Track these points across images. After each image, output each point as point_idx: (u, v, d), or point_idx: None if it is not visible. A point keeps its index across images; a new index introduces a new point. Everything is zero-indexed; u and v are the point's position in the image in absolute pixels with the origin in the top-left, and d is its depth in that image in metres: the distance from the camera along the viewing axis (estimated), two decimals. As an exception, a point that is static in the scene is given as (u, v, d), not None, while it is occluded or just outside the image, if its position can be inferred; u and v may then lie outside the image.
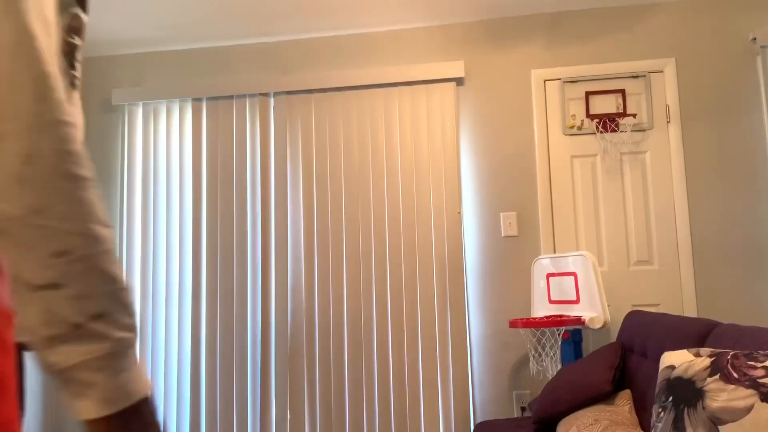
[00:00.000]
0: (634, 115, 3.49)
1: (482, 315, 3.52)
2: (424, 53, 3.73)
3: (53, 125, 0.57)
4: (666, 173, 3.46)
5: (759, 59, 3.43)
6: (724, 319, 3.29)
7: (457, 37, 3.70)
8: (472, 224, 3.58)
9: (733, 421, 1.44)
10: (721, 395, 1.49)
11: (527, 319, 3.07)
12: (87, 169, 0.61)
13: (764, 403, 1.42)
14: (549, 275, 3.27)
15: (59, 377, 0.57)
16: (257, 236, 3.69)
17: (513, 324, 3.06)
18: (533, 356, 3.28)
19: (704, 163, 3.44)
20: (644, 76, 3.53)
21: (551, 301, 3.25)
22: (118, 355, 0.59)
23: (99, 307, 0.58)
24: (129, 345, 0.61)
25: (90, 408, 0.57)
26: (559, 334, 3.13)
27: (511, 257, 3.52)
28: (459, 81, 3.65)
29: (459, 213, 3.52)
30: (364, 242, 3.59)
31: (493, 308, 3.51)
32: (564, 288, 3.19)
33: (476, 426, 2.91)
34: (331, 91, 3.73)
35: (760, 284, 3.33)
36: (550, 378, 3.21)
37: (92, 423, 0.58)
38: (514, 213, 3.53)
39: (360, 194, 3.63)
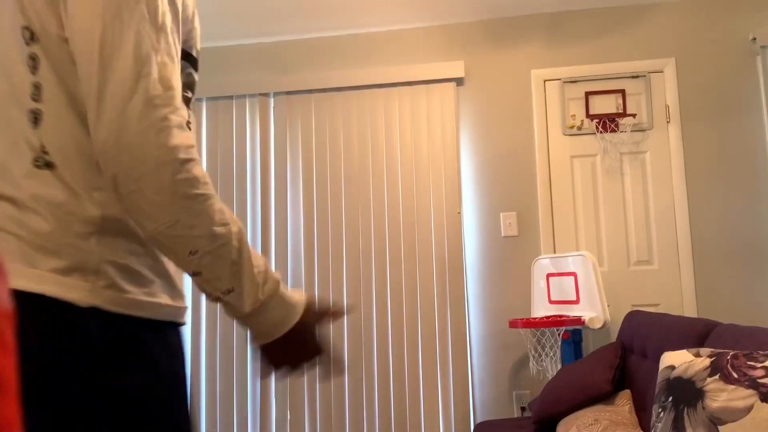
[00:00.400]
0: (634, 115, 3.49)
1: (482, 315, 3.52)
2: (424, 53, 3.73)
3: (174, 163, 0.83)
4: (666, 173, 3.46)
5: (759, 59, 3.43)
6: (724, 319, 3.29)
7: (457, 37, 3.70)
8: (472, 224, 3.58)
9: (732, 421, 1.45)
10: (721, 395, 1.50)
11: (527, 319, 3.07)
12: (203, 187, 0.87)
13: (764, 403, 1.42)
14: (549, 275, 3.27)
15: (240, 323, 0.93)
16: (257, 236, 3.70)
17: (513, 324, 3.06)
18: (533, 356, 3.28)
19: (704, 163, 3.44)
20: (644, 76, 3.53)
21: (551, 301, 3.25)
22: (256, 311, 0.91)
23: (228, 284, 0.86)
24: (263, 302, 0.92)
25: (257, 340, 0.96)
26: (559, 334, 3.13)
27: (511, 257, 3.52)
28: (459, 81, 3.65)
29: (459, 213, 3.52)
30: (364, 242, 3.59)
31: (493, 308, 3.51)
32: (564, 288, 3.19)
33: (476, 426, 2.91)
34: (331, 91, 3.73)
35: (760, 284, 3.33)
36: (550, 378, 3.21)
37: (263, 348, 0.97)
38: (514, 213, 3.53)
39: (360, 194, 3.63)
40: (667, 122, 3.49)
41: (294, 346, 0.97)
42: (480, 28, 3.70)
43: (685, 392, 1.58)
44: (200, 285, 0.86)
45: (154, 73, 0.80)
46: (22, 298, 0.78)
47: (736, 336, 1.87)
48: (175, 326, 0.92)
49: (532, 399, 3.15)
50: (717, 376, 1.54)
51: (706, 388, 1.54)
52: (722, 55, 3.49)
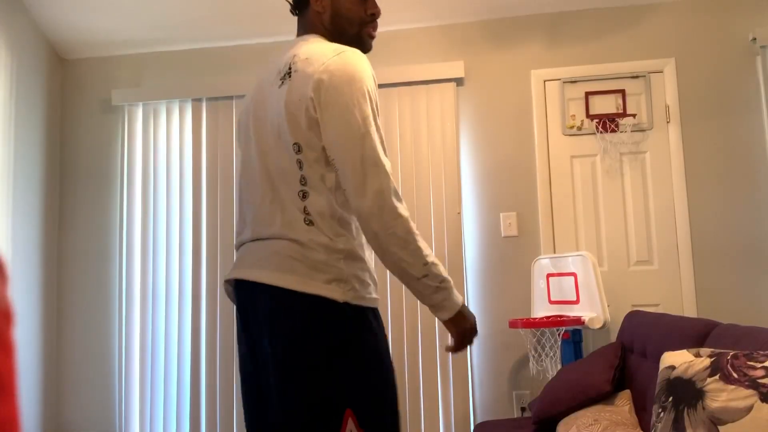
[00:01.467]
0: (634, 116, 3.49)
1: (482, 315, 3.52)
2: (424, 53, 3.73)
3: (405, 223, 1.45)
4: (666, 173, 3.46)
5: (759, 59, 3.43)
6: (724, 319, 3.29)
7: (457, 37, 3.70)
8: (472, 224, 3.58)
9: (732, 422, 1.45)
10: (720, 395, 1.50)
11: (527, 319, 3.07)
12: (416, 237, 1.48)
13: (764, 404, 1.42)
14: (549, 275, 3.27)
15: (433, 307, 1.47)
16: (257, 236, 3.69)
17: (513, 324, 3.06)
18: (533, 356, 3.28)
19: (704, 163, 3.44)
20: (644, 76, 3.53)
21: (551, 302, 3.25)
22: (446, 296, 1.47)
23: (437, 281, 1.47)
24: (449, 288, 1.48)
25: (444, 315, 1.48)
26: (559, 335, 3.13)
27: (511, 257, 3.52)
28: (459, 81, 3.65)
29: (459, 213, 3.52)
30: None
31: (493, 308, 3.51)
32: (564, 288, 3.19)
33: (476, 426, 2.91)
34: (331, 91, 3.72)
35: (760, 284, 3.33)
36: (550, 378, 3.21)
37: (447, 322, 1.48)
38: (514, 213, 3.53)
39: (360, 194, 3.63)
40: (667, 122, 3.49)
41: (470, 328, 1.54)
42: (480, 28, 3.70)
43: (685, 392, 1.58)
44: (422, 286, 1.48)
45: (388, 167, 1.44)
46: (309, 298, 1.41)
47: (736, 336, 1.88)
48: (377, 309, 1.52)
49: (532, 399, 3.15)
50: (717, 377, 1.54)
51: (706, 388, 1.54)
52: (722, 55, 3.49)
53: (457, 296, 1.50)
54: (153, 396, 3.69)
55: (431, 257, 1.48)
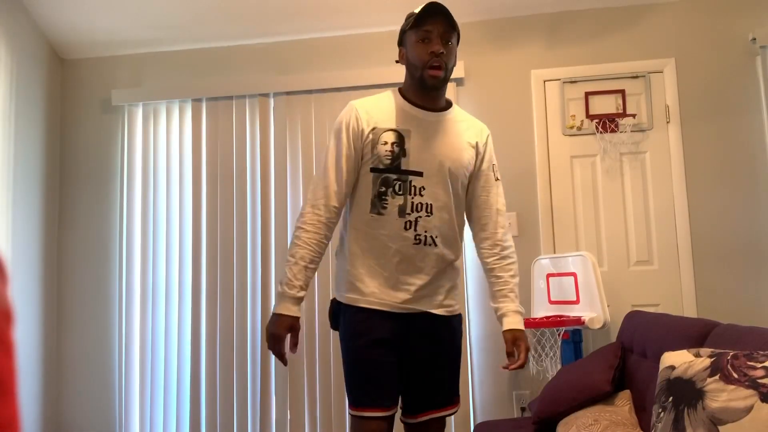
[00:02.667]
0: (634, 116, 3.49)
1: (482, 315, 3.52)
2: (424, 53, 3.72)
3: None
4: (666, 173, 3.46)
5: (759, 59, 3.43)
6: (724, 319, 3.28)
7: (457, 37, 3.70)
8: (472, 224, 3.57)
9: (732, 422, 1.45)
10: (720, 395, 1.50)
11: (527, 319, 3.06)
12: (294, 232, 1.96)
13: (764, 404, 1.42)
14: (549, 275, 3.27)
15: None
16: (257, 236, 3.69)
17: (513, 324, 3.06)
18: (533, 356, 3.28)
19: (704, 163, 3.44)
20: (644, 76, 3.53)
21: (551, 302, 3.25)
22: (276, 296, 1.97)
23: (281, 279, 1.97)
24: (278, 292, 1.95)
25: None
26: (559, 335, 3.13)
27: (511, 257, 3.51)
28: (459, 81, 3.65)
29: (459, 213, 3.52)
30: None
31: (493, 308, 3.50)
32: (564, 288, 3.19)
33: (476, 426, 2.91)
34: (331, 91, 3.72)
35: (760, 284, 3.33)
36: (550, 378, 3.21)
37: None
38: (514, 213, 3.53)
39: (360, 194, 3.63)
40: (667, 122, 3.49)
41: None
42: (480, 28, 3.69)
43: (685, 392, 1.58)
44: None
45: (320, 183, 1.98)
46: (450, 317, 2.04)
47: (736, 336, 1.88)
48: (349, 306, 2.00)
49: (532, 399, 3.15)
50: (717, 377, 1.54)
51: (706, 388, 1.54)
52: (722, 55, 3.49)
53: (277, 300, 1.92)
54: (153, 396, 3.69)
55: (289, 259, 1.91)
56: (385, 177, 1.92)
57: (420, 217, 1.93)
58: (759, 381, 1.46)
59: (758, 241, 3.35)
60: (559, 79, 3.58)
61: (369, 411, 1.91)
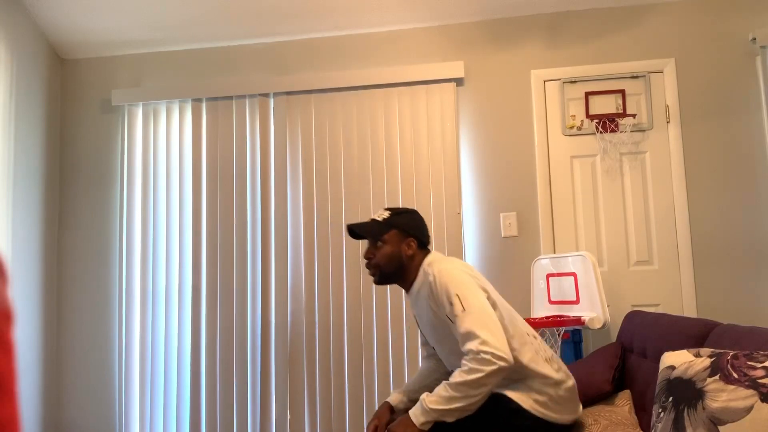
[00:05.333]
0: (634, 116, 3.49)
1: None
2: (423, 53, 3.73)
3: None
4: (666, 173, 3.46)
5: (759, 59, 3.43)
6: (724, 319, 3.29)
7: (457, 37, 3.70)
8: (472, 224, 3.58)
9: (733, 422, 1.45)
10: (721, 395, 1.50)
11: (527, 319, 3.06)
12: None
13: (764, 404, 1.42)
14: (549, 275, 3.27)
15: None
16: (257, 236, 3.69)
17: (513, 324, 3.06)
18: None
19: (704, 163, 3.44)
20: (644, 76, 3.53)
21: (551, 302, 3.25)
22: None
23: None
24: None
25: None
26: (559, 335, 3.13)
27: (511, 257, 3.52)
28: (459, 81, 3.65)
29: (459, 213, 3.52)
30: (363, 242, 3.58)
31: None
32: (564, 288, 3.19)
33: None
34: (331, 91, 3.73)
35: (760, 284, 3.33)
36: (550, 378, 3.20)
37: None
38: (514, 213, 3.53)
39: (360, 194, 3.63)
40: (667, 122, 3.49)
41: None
42: (480, 28, 3.70)
43: (685, 392, 1.58)
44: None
45: None
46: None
47: (736, 336, 1.88)
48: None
49: (532, 399, 3.14)
50: (717, 377, 1.54)
51: (706, 388, 1.54)
52: (722, 55, 3.49)
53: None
54: (153, 396, 3.69)
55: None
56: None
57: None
58: (759, 381, 1.46)
59: (758, 241, 3.35)
60: (559, 79, 3.58)
61: None
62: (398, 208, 2.25)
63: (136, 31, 3.82)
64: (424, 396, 1.96)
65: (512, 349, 1.99)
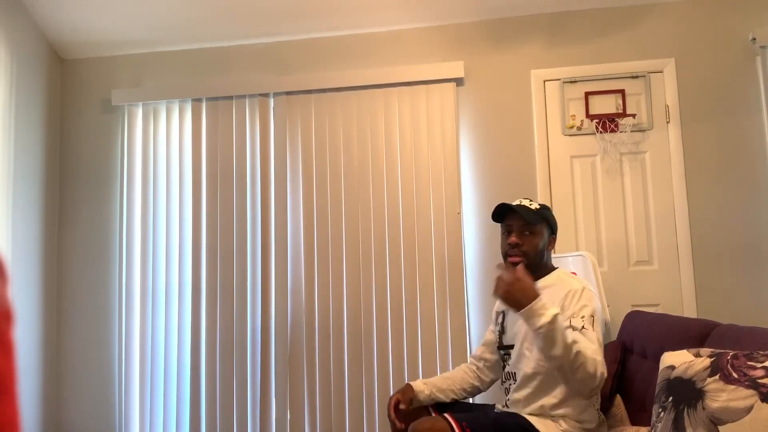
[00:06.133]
0: (634, 116, 3.49)
1: (482, 315, 3.52)
2: (423, 53, 3.73)
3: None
4: (666, 173, 3.46)
5: (759, 59, 3.43)
6: (724, 319, 3.29)
7: (457, 37, 3.70)
8: (472, 224, 3.57)
9: (733, 422, 1.45)
10: (721, 395, 1.50)
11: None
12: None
13: (764, 404, 1.42)
14: (549, 275, 3.26)
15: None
16: (257, 236, 3.69)
17: (513, 324, 3.06)
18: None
19: (704, 163, 3.44)
20: (644, 76, 3.53)
21: (551, 302, 3.25)
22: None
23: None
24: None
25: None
26: (559, 335, 3.12)
27: (511, 257, 3.51)
28: (459, 81, 3.65)
29: (459, 213, 3.52)
30: (363, 242, 3.58)
31: (493, 308, 3.50)
32: (564, 288, 3.18)
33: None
34: (331, 91, 3.73)
35: (760, 284, 3.33)
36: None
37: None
38: (514, 213, 3.53)
39: (360, 194, 3.63)
40: (667, 122, 3.49)
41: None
42: (480, 28, 3.69)
43: (685, 392, 1.58)
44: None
45: None
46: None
47: (736, 336, 1.88)
48: None
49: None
50: (717, 377, 1.54)
51: (706, 388, 1.54)
52: (722, 55, 3.49)
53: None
54: (153, 396, 3.69)
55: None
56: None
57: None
58: (759, 381, 1.46)
59: (758, 241, 3.35)
60: (559, 79, 3.58)
61: None
62: (541, 204, 2.27)
63: (136, 31, 3.81)
64: (558, 313, 1.86)
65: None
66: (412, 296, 3.51)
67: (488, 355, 2.45)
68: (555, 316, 1.83)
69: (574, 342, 1.85)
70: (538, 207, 2.23)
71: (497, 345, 2.37)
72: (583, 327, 1.97)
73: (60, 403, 3.82)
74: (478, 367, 2.45)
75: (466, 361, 3.44)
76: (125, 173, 3.84)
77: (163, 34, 3.83)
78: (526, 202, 2.24)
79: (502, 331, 2.32)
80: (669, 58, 3.52)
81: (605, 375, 1.92)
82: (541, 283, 2.17)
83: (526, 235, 2.18)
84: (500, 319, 2.34)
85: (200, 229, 3.74)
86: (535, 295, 1.87)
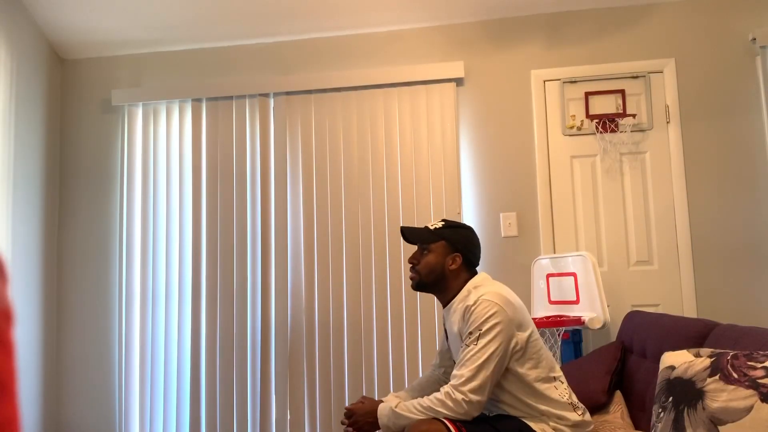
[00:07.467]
0: (634, 116, 3.49)
1: (482, 315, 3.51)
2: (424, 53, 3.73)
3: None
4: (666, 173, 3.46)
5: (759, 59, 3.43)
6: (724, 319, 3.29)
7: (457, 37, 3.70)
8: (472, 224, 3.57)
9: (732, 422, 1.45)
10: (721, 395, 1.50)
11: (527, 319, 3.06)
12: None
13: (764, 404, 1.42)
14: (549, 275, 3.27)
15: None
16: (257, 236, 3.69)
17: (513, 324, 3.05)
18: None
19: (704, 163, 3.44)
20: (644, 76, 3.53)
21: (551, 302, 3.25)
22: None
23: None
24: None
25: None
26: (558, 335, 3.13)
27: (511, 257, 3.52)
28: (459, 81, 3.65)
29: (459, 213, 3.52)
30: (364, 242, 3.59)
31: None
32: (564, 288, 3.19)
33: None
34: (331, 91, 3.73)
35: (760, 284, 3.33)
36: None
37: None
38: (514, 213, 3.53)
39: (360, 194, 3.63)
40: (667, 122, 3.49)
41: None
42: (480, 29, 3.69)
43: (685, 392, 1.58)
44: None
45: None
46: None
47: (736, 336, 1.88)
48: None
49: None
50: (717, 377, 1.54)
51: (706, 388, 1.54)
52: (722, 55, 3.49)
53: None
54: (153, 396, 3.69)
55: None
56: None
57: None
58: (759, 381, 1.46)
59: (758, 242, 3.35)
60: (559, 80, 3.58)
61: None
62: (454, 222, 2.24)
63: (136, 31, 3.81)
64: (399, 402, 2.06)
65: (539, 392, 2.00)
66: (412, 295, 3.51)
67: (447, 362, 2.42)
68: (391, 410, 2.02)
69: (429, 407, 1.97)
70: (439, 226, 2.20)
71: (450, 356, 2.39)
72: (468, 345, 2.00)
73: (60, 403, 3.82)
74: (444, 372, 2.42)
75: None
76: (125, 173, 3.84)
77: (163, 34, 3.83)
78: (432, 224, 2.23)
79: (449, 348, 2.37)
80: (669, 58, 3.52)
81: (479, 398, 1.94)
82: (452, 307, 2.17)
83: (423, 254, 2.20)
84: (445, 337, 2.37)
85: (200, 229, 3.74)
86: (375, 408, 2.08)
